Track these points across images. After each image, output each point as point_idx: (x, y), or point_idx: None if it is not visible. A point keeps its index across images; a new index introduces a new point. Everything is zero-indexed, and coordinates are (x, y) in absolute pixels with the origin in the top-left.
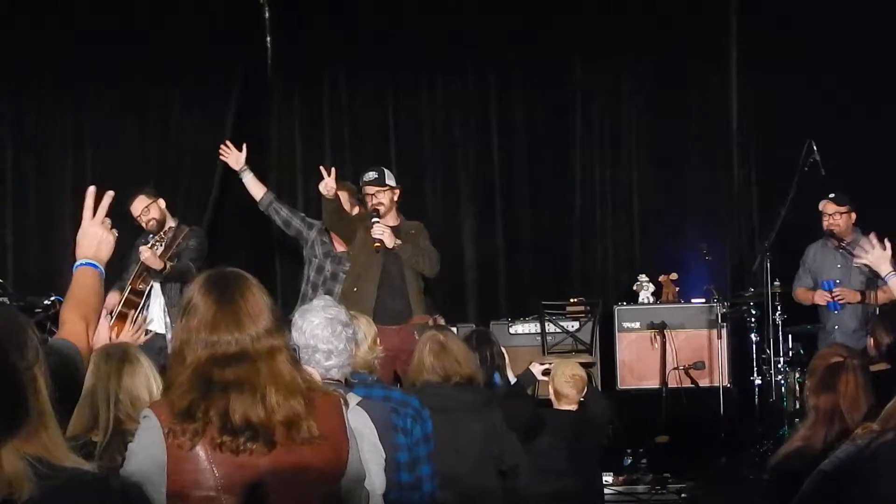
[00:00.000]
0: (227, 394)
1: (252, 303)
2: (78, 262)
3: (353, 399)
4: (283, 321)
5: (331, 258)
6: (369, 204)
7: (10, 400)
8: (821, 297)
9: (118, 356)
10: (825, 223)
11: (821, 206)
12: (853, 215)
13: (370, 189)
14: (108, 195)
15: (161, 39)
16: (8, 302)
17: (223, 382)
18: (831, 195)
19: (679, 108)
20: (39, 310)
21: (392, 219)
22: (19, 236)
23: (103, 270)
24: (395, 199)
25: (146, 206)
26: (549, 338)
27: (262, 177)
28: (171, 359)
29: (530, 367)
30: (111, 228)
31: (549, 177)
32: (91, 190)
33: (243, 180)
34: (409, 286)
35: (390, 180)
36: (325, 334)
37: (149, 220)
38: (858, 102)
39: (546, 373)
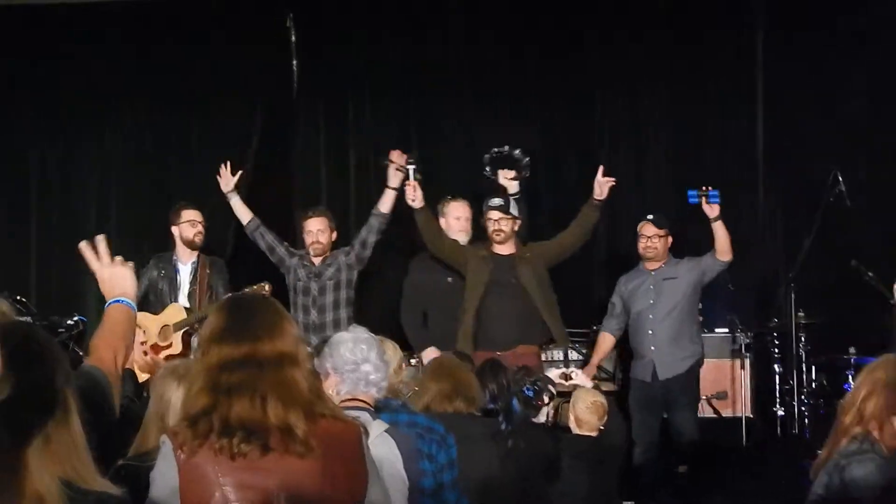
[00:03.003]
0: (230, 398)
1: (265, 315)
2: (108, 302)
3: (380, 426)
4: (302, 341)
5: (314, 276)
6: (490, 230)
7: (47, 419)
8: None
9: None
10: (640, 245)
11: (639, 228)
12: (670, 239)
13: (494, 214)
14: (99, 239)
15: (185, 62)
16: (31, 321)
17: (228, 386)
18: (650, 216)
19: (704, 137)
20: (62, 329)
21: (510, 247)
22: (42, 255)
23: (132, 302)
24: (515, 228)
25: (199, 220)
26: (571, 365)
27: (286, 199)
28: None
29: (547, 373)
30: (124, 262)
31: (571, 203)
32: (84, 244)
33: (230, 202)
34: (529, 309)
35: (514, 210)
36: (364, 350)
37: (196, 234)
38: (884, 133)
39: (564, 377)
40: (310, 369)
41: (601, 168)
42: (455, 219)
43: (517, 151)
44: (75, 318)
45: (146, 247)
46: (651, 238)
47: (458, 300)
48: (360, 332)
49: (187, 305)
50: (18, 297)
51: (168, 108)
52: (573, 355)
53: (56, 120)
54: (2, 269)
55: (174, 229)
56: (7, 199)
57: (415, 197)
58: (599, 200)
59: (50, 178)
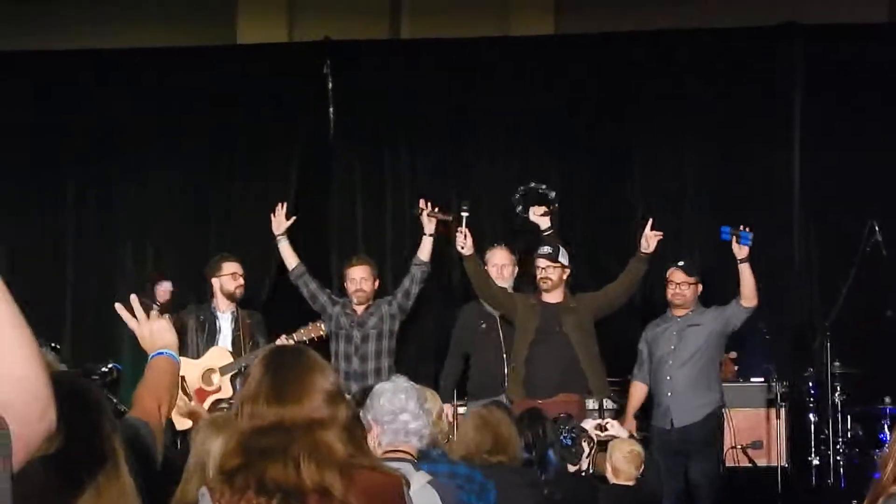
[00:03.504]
0: (264, 461)
1: (301, 378)
2: (150, 356)
3: (422, 478)
4: (341, 396)
5: (357, 325)
6: (538, 277)
7: (97, 470)
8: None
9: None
10: (669, 292)
11: (668, 274)
12: (699, 287)
13: (542, 262)
14: (133, 298)
15: (224, 109)
16: (66, 368)
17: (260, 449)
18: (680, 263)
19: (740, 184)
20: (96, 377)
21: (557, 295)
22: (77, 303)
23: (175, 353)
24: (565, 277)
25: (240, 273)
26: (606, 415)
27: (322, 247)
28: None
29: (582, 425)
30: (159, 315)
31: (609, 253)
32: (118, 305)
33: (279, 246)
34: (572, 358)
35: (563, 258)
36: (403, 400)
37: (238, 287)
38: None
39: (599, 427)
40: (345, 425)
41: (650, 221)
42: (493, 266)
43: (543, 186)
44: (109, 366)
45: (183, 294)
46: (680, 285)
47: (491, 346)
48: (401, 382)
49: (230, 349)
50: (53, 345)
51: (206, 154)
52: (608, 404)
53: (94, 164)
54: (37, 317)
55: (214, 281)
56: (43, 246)
57: (465, 244)
58: (646, 253)
59: (86, 225)
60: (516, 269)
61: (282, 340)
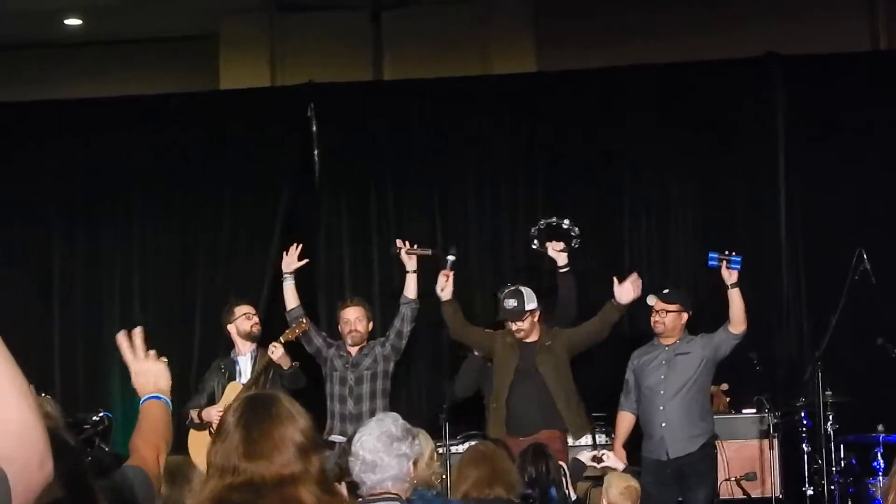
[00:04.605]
0: None
1: (271, 432)
2: (142, 399)
3: None
4: (312, 447)
5: (351, 366)
6: (511, 328)
7: None
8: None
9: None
10: (652, 320)
11: (649, 301)
12: (685, 316)
13: (510, 325)
14: (137, 332)
15: (208, 155)
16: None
17: None
18: (665, 290)
19: (726, 215)
20: (88, 426)
21: (534, 334)
22: (66, 351)
23: (168, 399)
24: (536, 320)
25: (252, 312)
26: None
27: (310, 289)
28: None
29: (578, 457)
30: (159, 357)
31: (597, 290)
32: (121, 335)
33: (284, 284)
34: (548, 398)
35: (530, 303)
36: (374, 446)
37: (253, 325)
38: None
39: (595, 459)
40: (317, 478)
41: (634, 274)
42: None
43: (566, 222)
44: (101, 414)
45: (171, 341)
46: (659, 312)
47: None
48: (388, 422)
49: (243, 383)
50: (44, 394)
51: (191, 200)
52: (601, 439)
53: (78, 211)
54: (26, 365)
55: (230, 327)
56: (31, 293)
57: (444, 287)
58: (620, 304)
59: (73, 274)
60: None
61: (272, 349)
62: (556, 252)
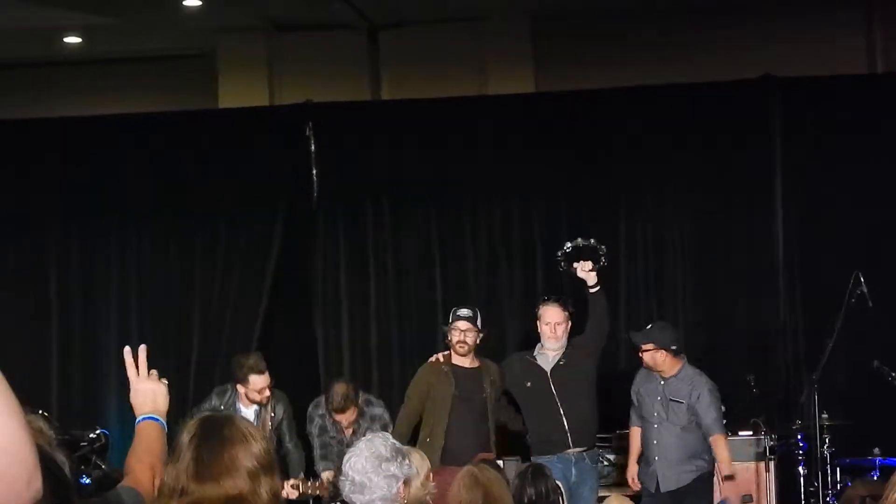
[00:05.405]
0: None
1: (221, 454)
2: (139, 418)
3: None
4: (265, 471)
5: (347, 446)
6: (454, 339)
7: None
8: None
9: None
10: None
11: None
12: (664, 352)
13: (462, 325)
14: (143, 349)
15: (206, 172)
16: (54, 435)
17: None
18: (641, 330)
19: (723, 237)
20: (85, 443)
21: (469, 360)
22: (63, 369)
23: (164, 421)
24: (478, 341)
25: (266, 385)
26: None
27: (306, 308)
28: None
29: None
30: (160, 378)
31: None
32: (127, 350)
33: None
34: (481, 425)
35: (479, 321)
36: (363, 467)
37: (263, 398)
38: None
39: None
40: (268, 501)
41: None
42: (546, 324)
43: (592, 240)
44: (97, 432)
45: (167, 359)
46: (644, 353)
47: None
48: (377, 443)
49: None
50: (41, 412)
51: (189, 219)
52: (608, 458)
53: (75, 228)
54: (23, 383)
55: (239, 387)
56: (27, 311)
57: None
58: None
59: (70, 291)
60: (569, 324)
61: (287, 488)
62: (586, 273)
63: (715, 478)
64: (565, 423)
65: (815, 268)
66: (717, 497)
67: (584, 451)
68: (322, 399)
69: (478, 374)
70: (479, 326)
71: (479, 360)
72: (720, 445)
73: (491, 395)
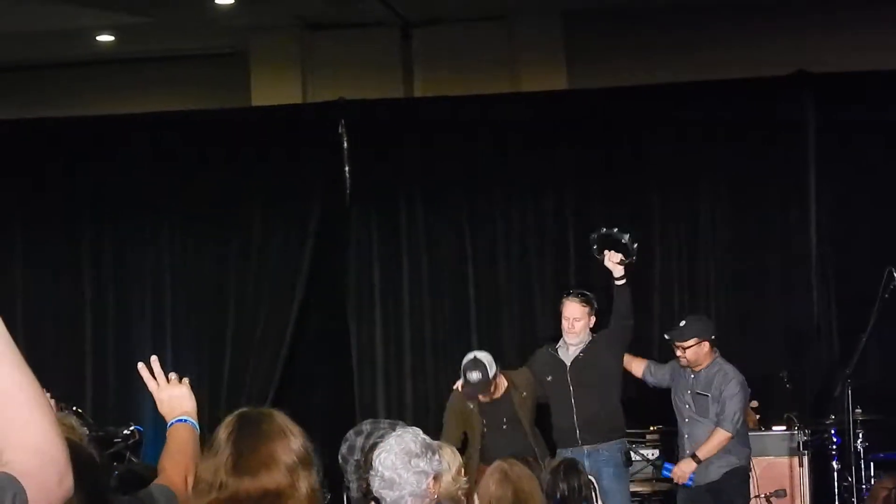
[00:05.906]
0: None
1: (259, 449)
2: (169, 423)
3: None
4: (304, 466)
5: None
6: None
7: None
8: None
9: None
10: (676, 353)
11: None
12: (705, 345)
13: (471, 392)
14: (154, 359)
15: (240, 172)
16: (87, 432)
17: None
18: (676, 328)
19: (758, 233)
20: (119, 440)
21: (498, 391)
22: (97, 365)
23: (194, 421)
24: (499, 382)
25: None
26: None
27: (339, 305)
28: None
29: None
30: (180, 379)
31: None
32: (141, 366)
33: None
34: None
35: (492, 368)
36: (392, 463)
37: None
38: None
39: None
40: (306, 497)
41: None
42: (565, 319)
43: (627, 237)
44: (131, 428)
45: (201, 358)
46: (679, 348)
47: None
48: (407, 438)
49: None
50: (76, 409)
51: (222, 216)
52: (635, 457)
53: (110, 227)
54: (58, 380)
55: None
56: (63, 310)
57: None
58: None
59: (105, 287)
60: (593, 319)
61: None
62: (614, 264)
63: (751, 472)
64: (574, 418)
65: (848, 264)
66: (752, 491)
67: (599, 444)
68: None
69: (506, 398)
70: (492, 377)
71: (507, 379)
72: (716, 436)
73: (525, 408)
